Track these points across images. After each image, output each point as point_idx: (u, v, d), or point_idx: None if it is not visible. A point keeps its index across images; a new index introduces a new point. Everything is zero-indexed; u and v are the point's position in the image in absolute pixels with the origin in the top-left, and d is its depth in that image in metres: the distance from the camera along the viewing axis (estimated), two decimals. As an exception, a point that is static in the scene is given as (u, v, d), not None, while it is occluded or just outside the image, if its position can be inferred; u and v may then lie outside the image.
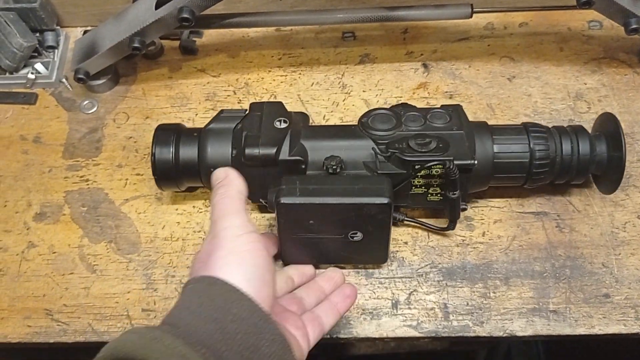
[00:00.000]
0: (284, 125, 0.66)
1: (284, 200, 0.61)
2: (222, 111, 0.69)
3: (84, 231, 0.75)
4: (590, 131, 0.72)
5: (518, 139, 0.68)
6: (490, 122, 0.71)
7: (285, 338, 0.50)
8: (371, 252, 0.68)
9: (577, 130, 0.70)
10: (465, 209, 0.70)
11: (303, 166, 0.65)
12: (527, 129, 0.69)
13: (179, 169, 0.68)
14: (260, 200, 0.70)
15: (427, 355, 1.58)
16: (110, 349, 0.46)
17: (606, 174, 0.70)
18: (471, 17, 0.76)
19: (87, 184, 0.78)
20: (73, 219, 0.76)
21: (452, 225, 0.71)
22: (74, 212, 0.76)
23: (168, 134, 0.69)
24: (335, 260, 0.70)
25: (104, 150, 0.80)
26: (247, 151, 0.64)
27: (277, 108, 0.68)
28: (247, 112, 0.69)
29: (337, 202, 0.61)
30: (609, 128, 0.69)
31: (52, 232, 0.75)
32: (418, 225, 0.73)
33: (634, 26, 0.72)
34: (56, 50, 0.87)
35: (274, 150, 0.64)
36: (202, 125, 0.70)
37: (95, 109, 0.84)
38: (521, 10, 0.80)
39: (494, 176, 0.69)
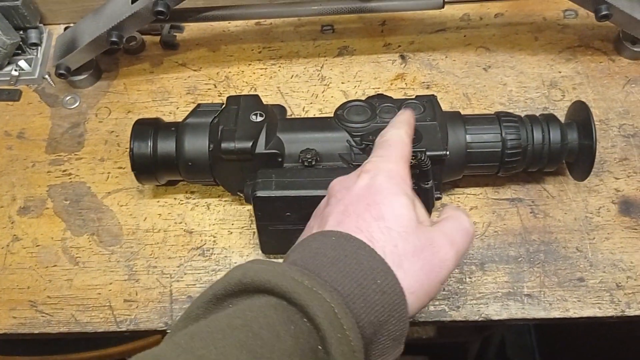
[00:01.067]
0: (260, 118, 0.67)
1: (259, 193, 0.62)
2: (199, 105, 0.70)
3: (66, 224, 0.76)
4: (563, 119, 0.73)
5: (490, 129, 0.69)
6: (466, 112, 0.72)
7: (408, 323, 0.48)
8: None
9: (548, 119, 0.71)
10: (440, 198, 0.70)
11: (280, 159, 0.66)
12: (499, 119, 0.70)
13: (157, 163, 0.69)
14: (238, 192, 0.71)
15: (421, 347, 1.60)
16: (236, 276, 0.45)
17: (578, 161, 0.71)
18: (443, 7, 0.78)
19: (70, 178, 0.79)
20: (56, 212, 0.77)
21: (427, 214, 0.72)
22: (57, 205, 0.77)
23: (146, 128, 0.70)
24: None
25: (87, 145, 0.81)
26: (223, 145, 0.65)
27: (254, 101, 0.69)
28: (223, 106, 0.70)
29: (312, 195, 0.62)
30: (580, 116, 0.70)
31: (35, 226, 0.76)
32: None
33: (604, 12, 0.73)
34: (39, 48, 0.88)
35: (249, 144, 0.65)
36: (182, 119, 0.71)
37: (77, 104, 0.85)
38: (494, 0, 0.81)
39: (467, 165, 0.70)
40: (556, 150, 0.70)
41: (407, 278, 0.48)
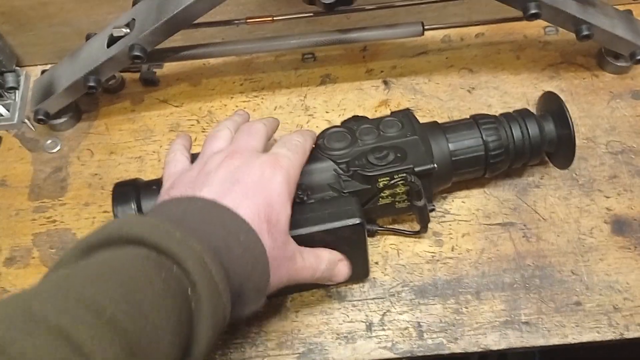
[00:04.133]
0: None
1: None
2: None
3: (53, 274, 0.74)
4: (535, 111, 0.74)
5: (470, 134, 0.69)
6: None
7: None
8: (352, 271, 0.68)
9: (523, 114, 0.72)
10: (433, 209, 0.70)
11: None
12: (477, 122, 0.70)
13: None
14: None
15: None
16: (113, 228, 0.48)
17: (559, 150, 0.73)
18: (423, 34, 0.77)
19: (55, 225, 0.77)
20: (42, 261, 0.75)
21: (423, 230, 0.72)
22: (43, 254, 0.76)
23: (127, 191, 0.68)
24: (319, 285, 0.70)
25: (70, 190, 0.80)
26: None
27: None
28: None
29: (310, 232, 0.62)
30: (553, 106, 0.72)
31: (22, 277, 0.75)
32: (392, 232, 0.73)
33: (585, 33, 0.73)
34: (17, 91, 0.87)
35: None
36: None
37: (58, 147, 0.83)
38: (473, 25, 0.80)
39: (454, 173, 0.70)
40: (537, 144, 0.71)
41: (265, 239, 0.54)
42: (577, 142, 0.70)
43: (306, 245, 0.62)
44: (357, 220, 0.62)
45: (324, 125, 0.82)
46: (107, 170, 0.81)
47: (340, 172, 0.66)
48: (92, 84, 0.73)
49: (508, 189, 0.76)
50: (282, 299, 0.71)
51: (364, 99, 0.84)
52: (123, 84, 0.87)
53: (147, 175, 0.79)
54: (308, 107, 0.84)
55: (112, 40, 0.72)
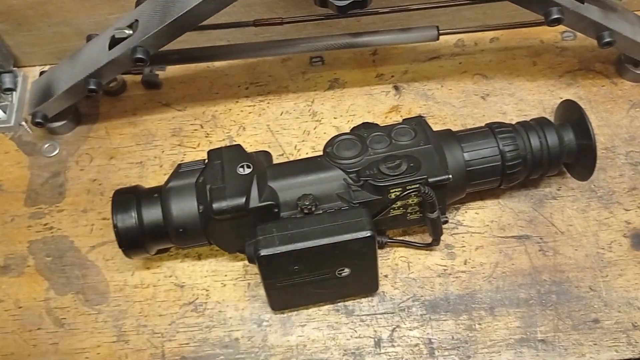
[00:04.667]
0: (247, 170, 0.63)
1: (263, 252, 0.59)
2: (179, 166, 0.66)
3: (49, 283, 0.72)
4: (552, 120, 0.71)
5: (486, 143, 0.67)
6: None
7: None
8: (361, 284, 0.66)
9: (541, 123, 0.69)
10: (446, 221, 0.67)
11: (276, 210, 0.62)
12: (493, 131, 0.68)
13: (145, 234, 0.64)
14: (238, 252, 0.67)
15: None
16: None
17: (578, 161, 0.70)
18: (438, 39, 0.74)
19: (51, 232, 0.75)
20: (38, 270, 0.73)
21: (435, 242, 0.69)
22: (39, 262, 0.73)
23: (127, 199, 0.65)
24: (327, 297, 0.68)
25: (68, 195, 0.77)
26: (215, 205, 0.61)
27: (237, 152, 0.65)
28: (205, 162, 0.66)
29: (319, 244, 0.59)
30: (573, 115, 0.69)
31: (17, 286, 0.72)
32: (402, 244, 0.71)
33: (607, 39, 0.70)
34: (14, 93, 0.84)
35: (242, 200, 0.61)
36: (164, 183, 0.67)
37: (57, 151, 0.80)
38: (488, 29, 0.77)
39: (469, 184, 0.67)
40: (555, 154, 0.68)
41: None
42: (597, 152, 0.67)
43: (314, 258, 0.60)
44: (367, 233, 0.60)
45: (332, 132, 0.79)
46: (107, 175, 0.78)
47: (350, 181, 0.64)
48: (92, 86, 0.70)
49: (524, 200, 0.73)
50: (286, 311, 0.68)
51: (373, 104, 0.81)
52: (124, 86, 0.85)
53: (148, 182, 0.76)
54: (315, 112, 0.81)
55: (114, 42, 0.69)
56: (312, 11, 0.71)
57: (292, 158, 0.78)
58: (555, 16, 0.66)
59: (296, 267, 0.61)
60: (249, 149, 0.77)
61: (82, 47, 0.74)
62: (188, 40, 0.74)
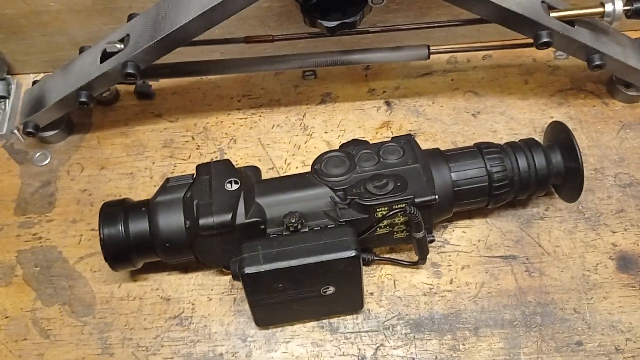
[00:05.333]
0: (235, 186, 0.63)
1: (248, 270, 0.59)
2: (167, 180, 0.66)
3: (37, 293, 0.72)
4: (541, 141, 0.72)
5: (474, 163, 0.67)
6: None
7: None
8: (346, 302, 0.67)
9: (530, 144, 0.69)
10: (433, 240, 0.68)
11: (262, 226, 0.63)
12: (481, 151, 0.68)
13: (131, 248, 0.65)
14: (223, 269, 0.67)
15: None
16: None
17: (566, 183, 0.70)
18: (428, 58, 0.74)
19: (40, 242, 0.75)
20: (26, 280, 0.73)
21: (422, 261, 0.69)
22: (27, 272, 0.73)
23: (114, 211, 0.66)
24: (311, 315, 0.68)
25: (58, 205, 0.77)
26: (202, 221, 0.61)
27: (225, 168, 0.65)
28: (194, 177, 0.66)
29: (303, 263, 0.59)
30: (561, 137, 0.69)
31: (4, 295, 0.72)
32: (388, 261, 0.71)
33: (597, 62, 0.70)
34: (7, 100, 0.84)
35: (229, 216, 0.61)
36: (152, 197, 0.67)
37: (48, 160, 0.81)
38: (480, 50, 0.77)
39: (456, 204, 0.68)
40: (543, 176, 0.68)
41: None
42: (585, 173, 0.67)
43: (299, 277, 0.60)
44: (352, 253, 0.60)
45: (323, 146, 0.79)
46: (97, 186, 0.78)
47: (337, 199, 0.64)
48: (83, 99, 0.71)
49: (511, 219, 0.73)
50: (271, 327, 0.68)
51: (364, 119, 0.82)
52: (117, 96, 0.85)
53: (138, 193, 0.77)
54: (307, 126, 0.81)
55: (106, 56, 0.69)
56: (305, 26, 0.72)
57: (282, 172, 0.78)
58: (545, 40, 0.66)
59: (280, 285, 0.61)
60: (240, 162, 0.77)
61: (74, 59, 0.74)
62: (180, 51, 0.74)
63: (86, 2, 0.77)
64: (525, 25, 0.67)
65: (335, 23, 0.63)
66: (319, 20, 0.63)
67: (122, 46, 0.68)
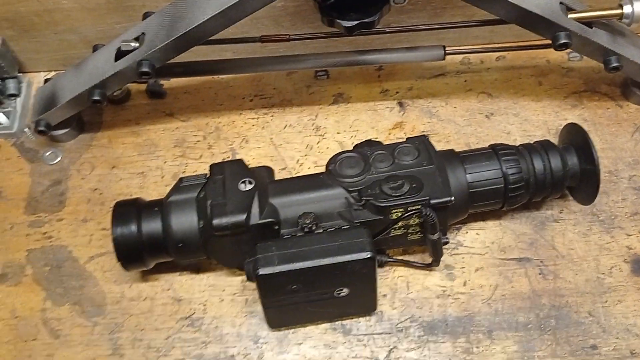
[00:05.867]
0: (249, 186, 0.63)
1: (262, 271, 0.58)
2: (181, 180, 0.66)
3: (47, 293, 0.71)
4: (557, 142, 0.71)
5: (489, 165, 0.67)
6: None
7: None
8: (359, 304, 0.66)
9: (545, 146, 0.69)
10: (447, 242, 0.67)
11: (276, 227, 0.62)
12: (496, 153, 0.67)
13: (144, 248, 0.64)
14: (237, 268, 0.67)
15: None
16: None
17: (581, 185, 0.70)
18: (444, 58, 0.74)
19: (50, 241, 0.74)
20: (35, 279, 0.72)
21: (435, 263, 0.69)
22: (37, 272, 0.73)
23: (127, 211, 0.65)
24: (324, 317, 0.67)
25: (68, 204, 0.77)
26: (215, 221, 0.61)
27: (239, 168, 0.65)
28: (207, 176, 0.65)
29: (318, 265, 0.59)
30: (577, 139, 0.69)
31: (14, 295, 0.72)
32: (402, 263, 0.70)
33: (614, 64, 0.70)
34: (18, 98, 0.84)
35: (243, 217, 0.61)
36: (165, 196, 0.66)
37: (59, 159, 0.80)
38: (495, 51, 0.77)
39: (471, 205, 0.67)
40: (559, 178, 0.68)
41: None
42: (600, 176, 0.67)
43: (313, 278, 0.59)
44: (367, 255, 0.59)
45: (335, 147, 0.79)
46: (108, 185, 0.78)
47: (352, 200, 0.63)
48: (97, 97, 0.70)
49: (525, 222, 0.73)
50: (283, 329, 0.67)
51: (377, 120, 0.81)
52: (129, 95, 0.84)
53: (149, 193, 0.76)
54: (319, 127, 0.81)
55: (120, 54, 0.69)
56: (319, 26, 0.71)
57: (294, 172, 0.78)
58: (563, 41, 0.66)
59: (295, 287, 0.60)
60: (252, 162, 0.77)
61: (88, 57, 0.73)
62: (193, 50, 0.73)
63: (99, 1, 0.77)
64: (544, 26, 0.66)
65: (354, 23, 0.62)
66: (338, 20, 0.62)
67: (137, 44, 0.68)
